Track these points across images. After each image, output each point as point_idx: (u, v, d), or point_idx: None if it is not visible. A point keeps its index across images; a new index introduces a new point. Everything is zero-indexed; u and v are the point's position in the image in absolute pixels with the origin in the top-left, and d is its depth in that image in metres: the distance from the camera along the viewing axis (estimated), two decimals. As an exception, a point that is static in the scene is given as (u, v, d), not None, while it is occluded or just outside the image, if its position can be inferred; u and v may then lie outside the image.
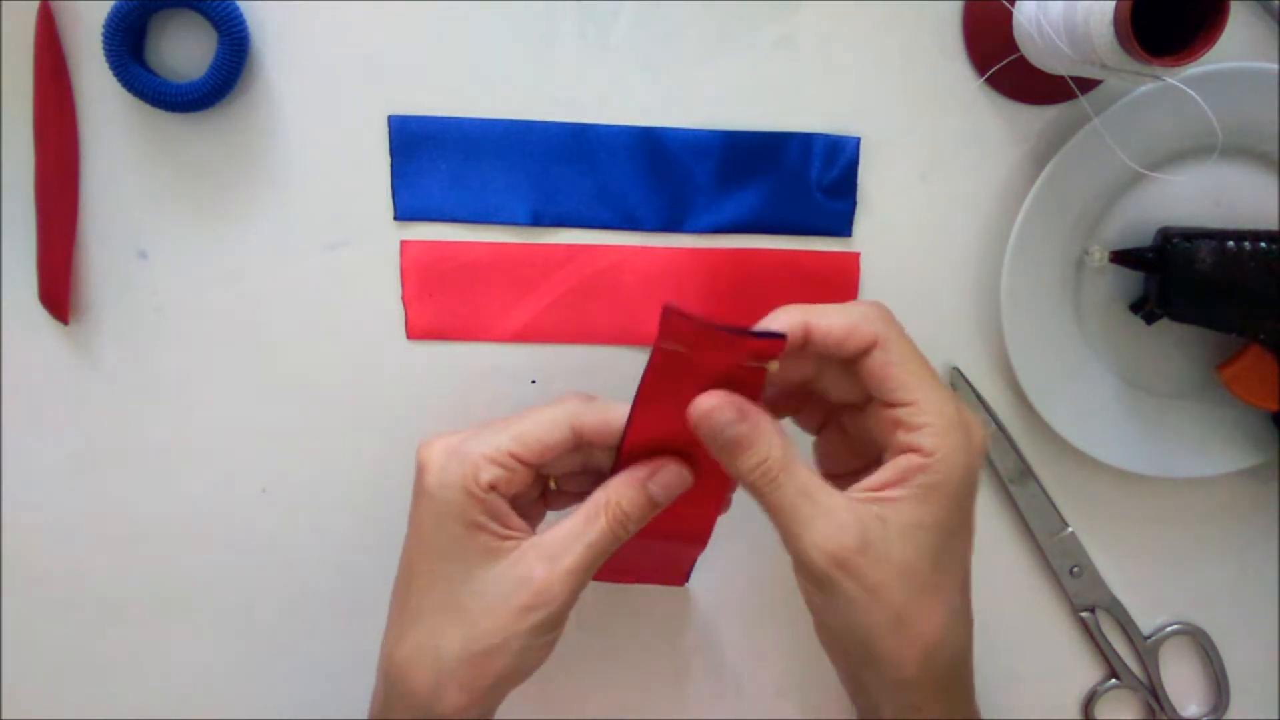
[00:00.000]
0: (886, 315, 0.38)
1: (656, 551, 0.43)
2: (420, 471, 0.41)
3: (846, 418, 0.42)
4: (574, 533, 0.39)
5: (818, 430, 0.44)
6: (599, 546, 0.39)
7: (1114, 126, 0.45)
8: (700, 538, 0.44)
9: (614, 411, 0.40)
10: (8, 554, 0.51)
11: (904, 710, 0.38)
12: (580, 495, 0.41)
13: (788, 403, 0.43)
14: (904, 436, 0.36)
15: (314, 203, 0.48)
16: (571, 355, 0.50)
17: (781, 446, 0.36)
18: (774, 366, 0.36)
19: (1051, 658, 0.54)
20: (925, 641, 0.36)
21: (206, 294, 0.49)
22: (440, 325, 0.50)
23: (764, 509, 0.37)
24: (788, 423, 0.44)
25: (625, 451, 0.40)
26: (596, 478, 0.41)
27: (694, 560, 0.46)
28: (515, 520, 0.40)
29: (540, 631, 0.38)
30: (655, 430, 0.39)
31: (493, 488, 0.39)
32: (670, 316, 0.35)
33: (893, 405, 0.37)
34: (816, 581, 0.36)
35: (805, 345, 0.38)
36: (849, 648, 0.38)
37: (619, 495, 0.39)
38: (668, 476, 0.40)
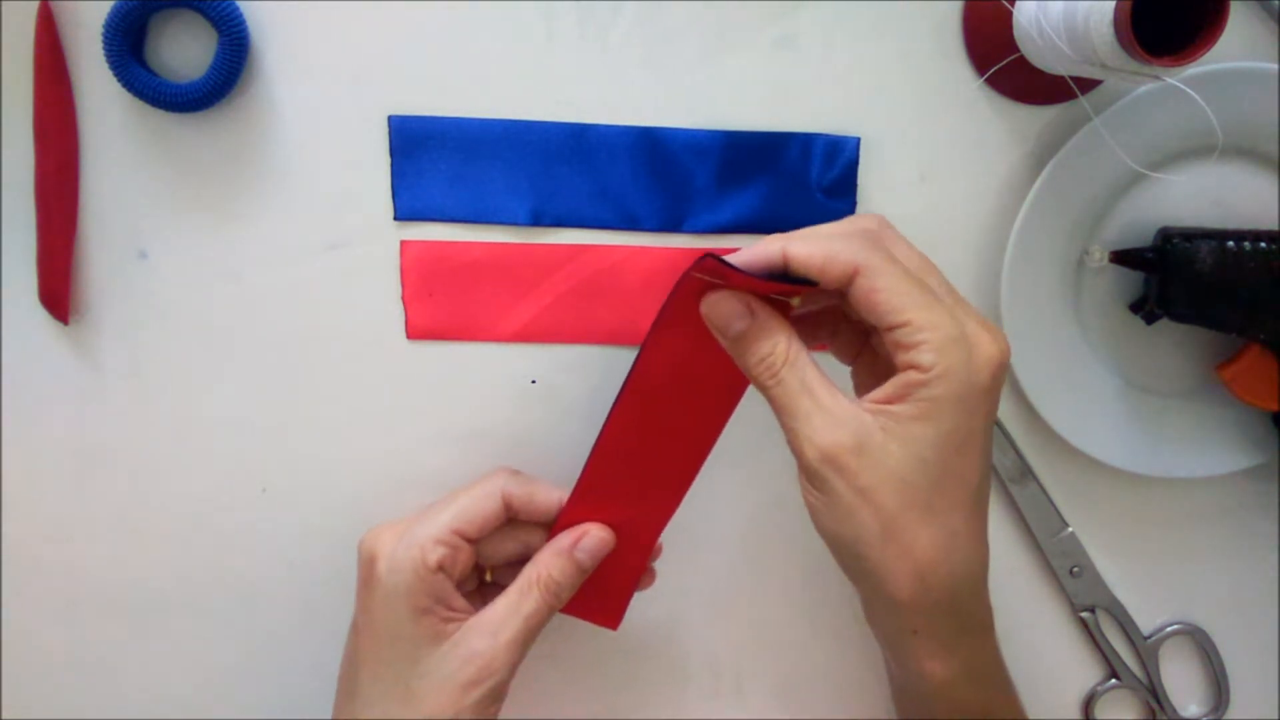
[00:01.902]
0: (869, 236, 0.38)
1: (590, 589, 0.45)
2: (370, 561, 0.43)
3: (876, 342, 0.42)
4: (511, 607, 0.42)
5: (854, 359, 0.43)
6: (536, 618, 0.42)
7: (1114, 126, 0.45)
8: (628, 588, 0.46)
9: (539, 486, 0.44)
10: (8, 554, 0.51)
11: (900, 633, 0.39)
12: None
13: (821, 330, 0.43)
14: (903, 356, 0.36)
15: (314, 203, 0.48)
16: (571, 355, 0.50)
17: (787, 343, 0.37)
18: (796, 301, 0.39)
19: (1051, 658, 0.54)
20: (917, 559, 0.36)
21: (206, 294, 0.49)
22: (440, 325, 0.50)
23: (771, 407, 0.38)
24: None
25: (583, 487, 0.44)
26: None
27: (625, 604, 0.47)
28: (459, 601, 0.42)
29: (486, 704, 0.41)
30: (662, 369, 0.41)
31: (440, 568, 0.41)
32: (707, 260, 0.37)
33: (890, 329, 0.36)
34: (811, 477, 0.37)
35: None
36: (844, 556, 0.38)
37: (549, 566, 0.43)
38: (592, 543, 0.43)
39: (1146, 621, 0.54)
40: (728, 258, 0.37)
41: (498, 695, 0.41)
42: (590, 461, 0.44)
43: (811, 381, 0.37)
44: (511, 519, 0.44)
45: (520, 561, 0.45)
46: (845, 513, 0.36)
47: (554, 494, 0.44)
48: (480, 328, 0.50)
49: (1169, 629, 0.54)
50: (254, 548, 0.51)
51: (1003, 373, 0.37)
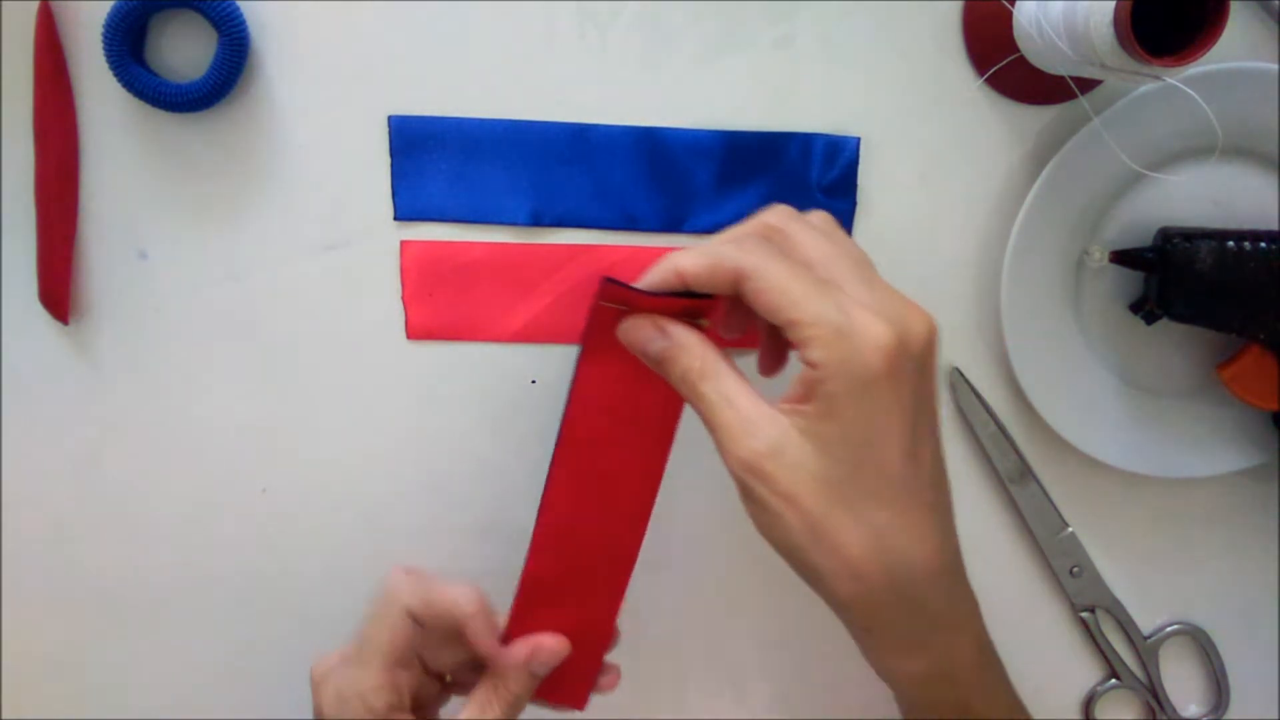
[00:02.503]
0: (763, 235, 0.38)
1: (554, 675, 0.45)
2: (318, 711, 0.43)
3: None
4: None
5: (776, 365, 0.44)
6: None
7: (1114, 126, 0.45)
8: (591, 672, 0.46)
9: (436, 594, 0.42)
10: (8, 554, 0.51)
11: (857, 631, 0.39)
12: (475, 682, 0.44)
13: (744, 341, 0.43)
14: (800, 354, 0.36)
15: (314, 203, 0.48)
16: (571, 355, 0.50)
17: (702, 358, 0.38)
18: (704, 323, 0.39)
19: (1051, 658, 0.54)
20: (847, 558, 0.36)
21: (206, 294, 0.49)
22: (440, 325, 0.50)
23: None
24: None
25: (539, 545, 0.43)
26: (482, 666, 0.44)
27: (590, 686, 0.46)
28: None
29: None
30: (599, 397, 0.41)
31: (390, 709, 0.41)
32: (606, 285, 0.38)
33: (783, 329, 0.36)
34: (740, 487, 0.37)
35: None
36: (788, 561, 0.38)
37: (507, 682, 0.42)
38: (547, 656, 0.43)
39: (1146, 621, 0.54)
40: (639, 281, 0.38)
41: None
42: (532, 551, 0.43)
43: (730, 391, 0.37)
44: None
45: (475, 665, 0.44)
46: (773, 518, 0.36)
47: (452, 594, 0.42)
48: (480, 328, 0.50)
49: (1169, 629, 0.54)
50: (254, 548, 0.51)
51: (902, 356, 0.35)
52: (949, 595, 0.38)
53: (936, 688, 0.39)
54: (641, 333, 0.39)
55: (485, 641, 0.42)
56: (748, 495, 0.37)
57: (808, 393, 0.36)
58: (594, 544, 0.43)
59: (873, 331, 0.35)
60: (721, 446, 0.37)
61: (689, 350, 0.38)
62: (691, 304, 0.39)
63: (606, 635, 0.45)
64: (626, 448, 0.42)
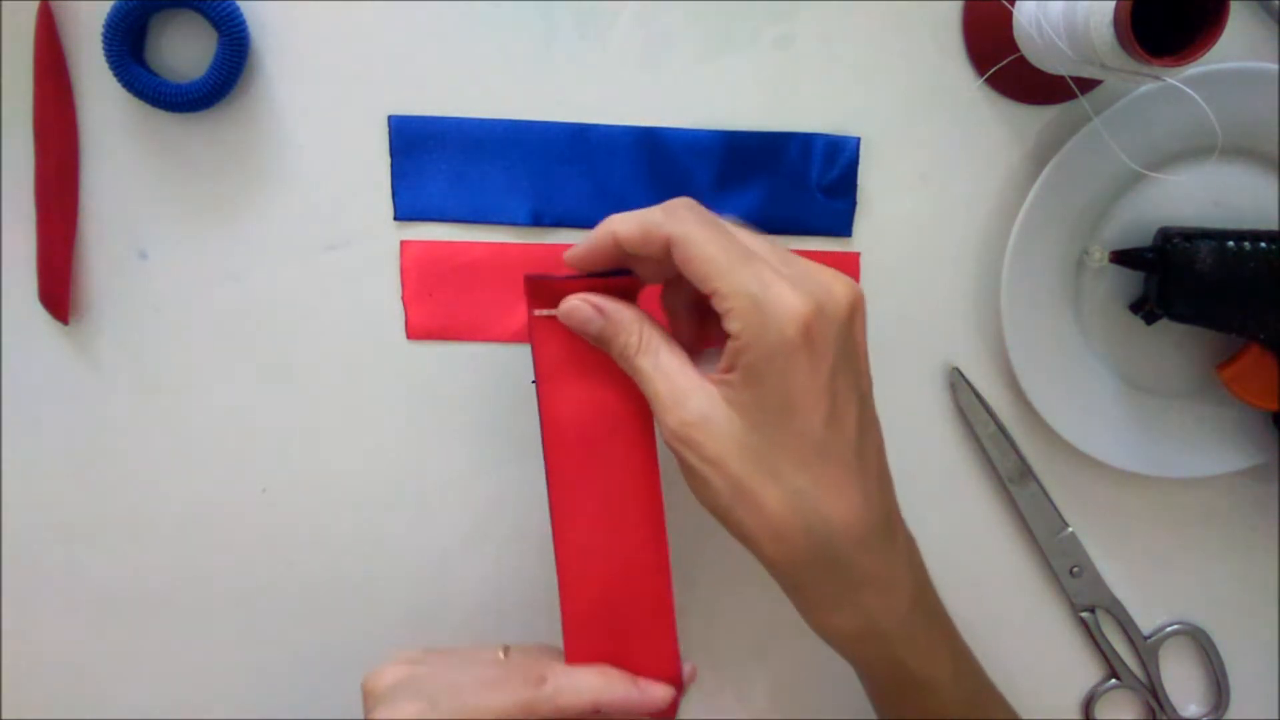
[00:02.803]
0: (685, 209, 0.39)
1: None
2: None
3: None
4: None
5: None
6: None
7: (1114, 126, 0.45)
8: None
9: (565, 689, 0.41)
10: (8, 554, 0.51)
11: (789, 590, 0.40)
12: None
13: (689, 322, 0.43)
14: (723, 323, 0.37)
15: (314, 203, 0.48)
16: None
17: (639, 334, 0.39)
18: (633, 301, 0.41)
19: (1051, 658, 0.54)
20: (768, 518, 0.37)
21: (206, 294, 0.49)
22: (440, 325, 0.50)
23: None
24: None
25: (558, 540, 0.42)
26: None
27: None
28: None
29: None
30: (571, 421, 0.41)
31: None
32: (531, 282, 0.41)
33: (708, 298, 0.37)
34: (675, 454, 0.39)
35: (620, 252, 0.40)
36: (724, 525, 0.39)
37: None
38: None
39: (1146, 621, 0.54)
40: (568, 253, 0.41)
41: None
42: (563, 592, 0.42)
43: (665, 364, 0.39)
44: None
45: None
46: (702, 482, 0.38)
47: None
48: (480, 328, 0.50)
49: (1169, 629, 0.54)
50: (254, 548, 0.51)
51: (820, 324, 0.36)
52: (876, 554, 0.39)
53: (868, 644, 0.40)
54: (580, 314, 0.40)
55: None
56: (681, 462, 0.38)
57: (731, 363, 0.37)
58: (621, 564, 0.42)
59: (788, 301, 0.36)
60: (657, 417, 0.39)
61: (626, 326, 0.39)
62: (618, 283, 0.40)
63: (669, 653, 0.43)
64: (615, 461, 0.42)
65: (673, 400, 0.38)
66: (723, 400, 0.37)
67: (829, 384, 0.37)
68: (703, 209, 0.39)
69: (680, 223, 0.38)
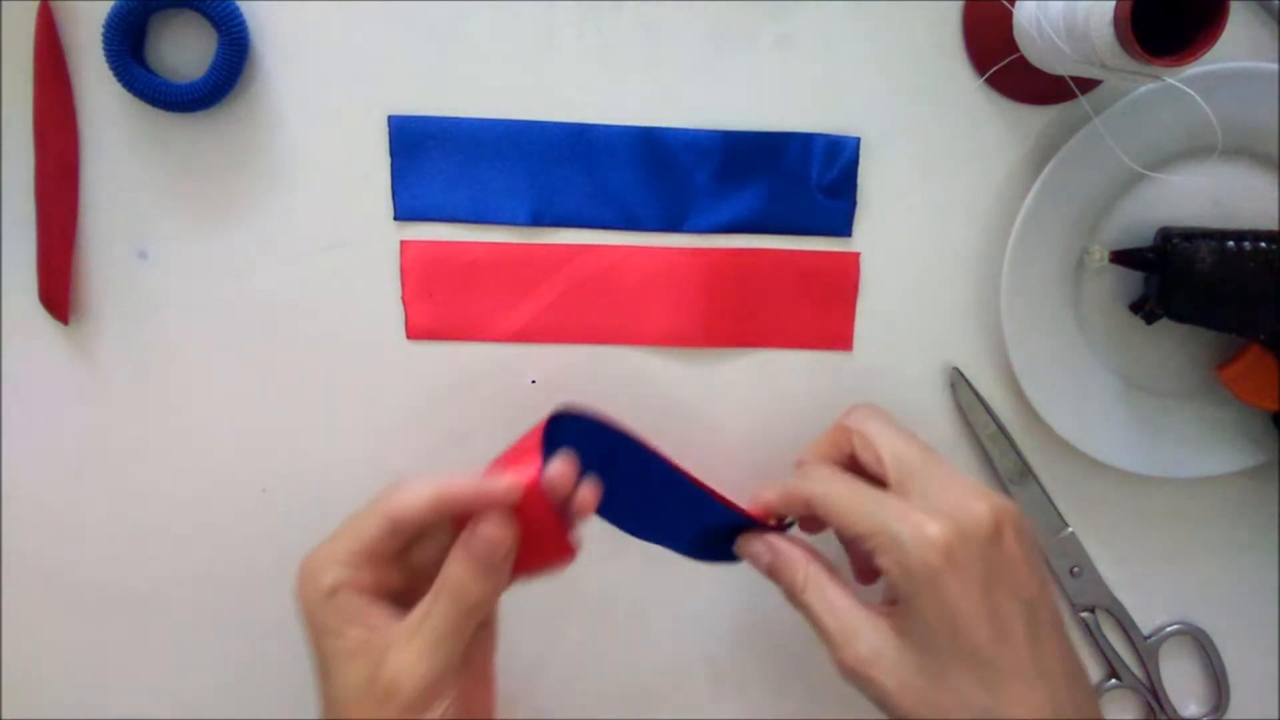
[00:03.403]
0: (820, 468, 0.43)
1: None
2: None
3: None
4: (419, 615, 0.40)
5: None
6: (443, 624, 0.40)
7: (1114, 126, 0.45)
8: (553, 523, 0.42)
9: (410, 491, 0.40)
10: (8, 554, 0.51)
11: None
12: None
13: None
14: (874, 561, 0.39)
15: (314, 203, 0.48)
16: (571, 355, 0.50)
17: (805, 572, 0.42)
18: (792, 523, 0.45)
19: (1051, 658, 0.54)
20: None
21: (206, 294, 0.49)
22: (440, 325, 0.50)
23: None
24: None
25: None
26: None
27: (566, 535, 0.42)
28: (376, 617, 0.40)
29: (410, 712, 0.39)
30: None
31: (335, 590, 0.40)
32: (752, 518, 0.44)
33: (856, 541, 0.40)
34: (851, 685, 0.40)
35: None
36: None
37: (448, 567, 0.40)
38: (483, 531, 0.40)
39: (1146, 621, 0.54)
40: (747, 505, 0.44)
41: (416, 707, 0.39)
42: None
43: (832, 600, 0.41)
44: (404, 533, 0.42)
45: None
46: (890, 713, 0.39)
47: (424, 491, 0.40)
48: (480, 328, 0.50)
49: (1169, 629, 0.54)
50: (254, 548, 0.51)
51: (961, 544, 0.38)
52: None
53: None
54: (751, 548, 0.43)
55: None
56: (862, 693, 0.40)
57: (892, 595, 0.39)
58: None
59: (925, 530, 0.38)
60: (831, 654, 0.40)
61: (793, 564, 0.42)
62: (774, 529, 0.44)
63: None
64: None
65: (844, 637, 0.40)
66: (892, 632, 0.39)
67: (984, 601, 0.38)
68: (859, 432, 0.43)
69: (816, 483, 0.42)
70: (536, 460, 0.40)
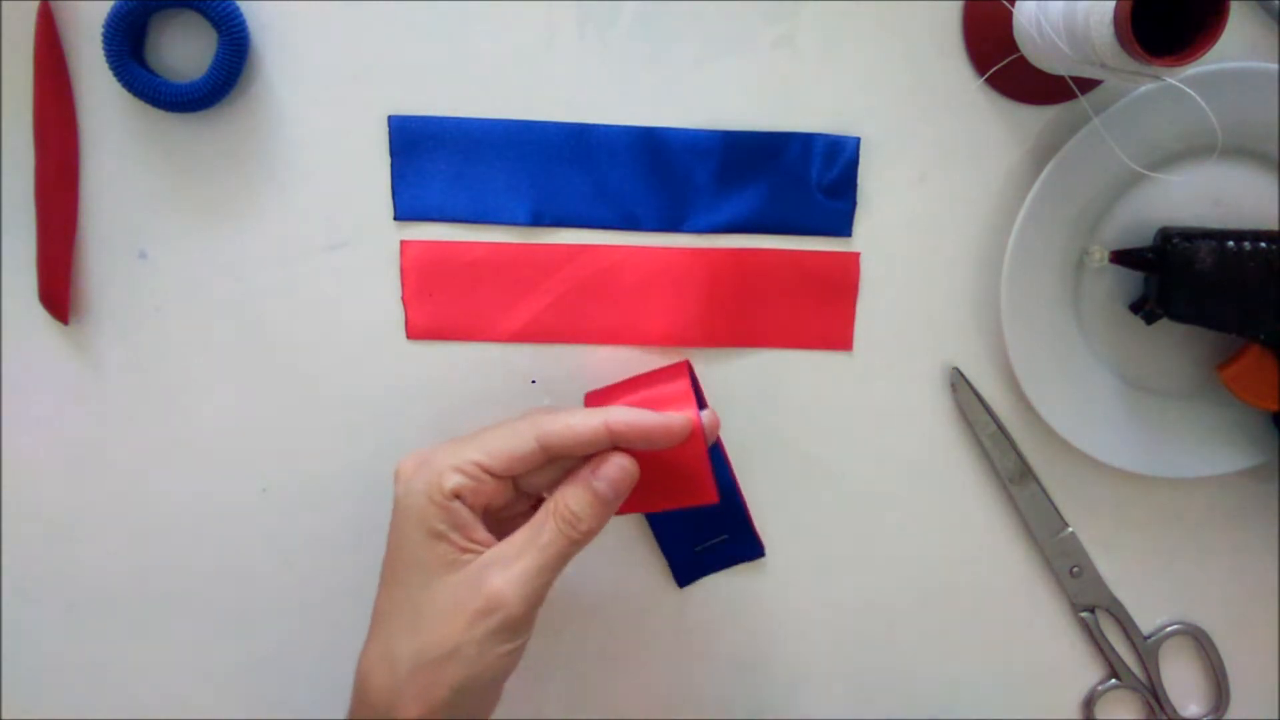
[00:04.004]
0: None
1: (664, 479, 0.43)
2: (395, 482, 0.42)
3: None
4: (526, 538, 0.40)
5: None
6: (551, 549, 0.40)
7: (1114, 126, 0.45)
8: (700, 460, 0.43)
9: (576, 418, 0.41)
10: (8, 554, 0.51)
11: None
12: None
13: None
14: None
15: (314, 203, 0.48)
16: (571, 355, 0.50)
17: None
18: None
19: (1051, 658, 0.54)
20: None
21: (206, 294, 0.49)
22: (440, 325, 0.50)
23: None
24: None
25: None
26: None
27: (708, 473, 0.43)
28: (480, 533, 0.41)
29: (495, 639, 0.39)
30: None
31: (456, 495, 0.40)
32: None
33: None
34: None
35: None
36: None
37: (565, 496, 0.41)
38: (610, 470, 0.41)
39: (1146, 621, 0.54)
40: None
41: (510, 631, 0.39)
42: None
43: None
44: (555, 458, 0.42)
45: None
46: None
47: (592, 421, 0.41)
48: (480, 328, 0.50)
49: (1169, 629, 0.54)
50: (254, 548, 0.51)
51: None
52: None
53: None
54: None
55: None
56: None
57: None
58: None
59: None
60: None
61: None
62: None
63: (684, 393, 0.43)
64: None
65: None
66: None
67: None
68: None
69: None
70: (691, 403, 0.42)
